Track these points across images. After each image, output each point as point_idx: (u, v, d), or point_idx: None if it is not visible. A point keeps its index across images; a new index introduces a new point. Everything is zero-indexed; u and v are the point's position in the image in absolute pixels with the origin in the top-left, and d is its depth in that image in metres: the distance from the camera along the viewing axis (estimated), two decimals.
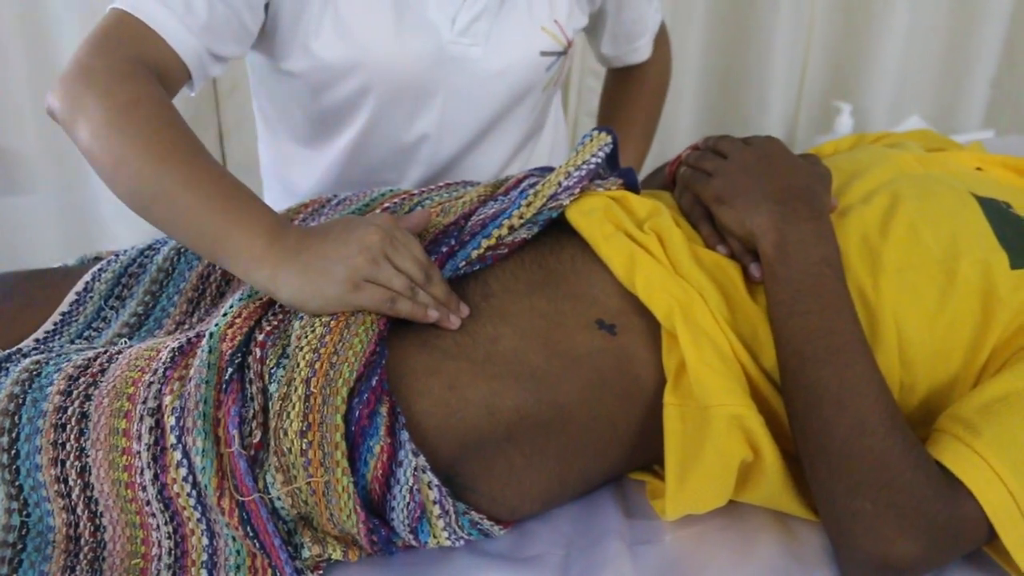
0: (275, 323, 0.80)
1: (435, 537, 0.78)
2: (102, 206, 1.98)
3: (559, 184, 0.88)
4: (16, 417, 0.78)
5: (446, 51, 1.05)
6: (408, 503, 0.75)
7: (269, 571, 0.77)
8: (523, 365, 0.79)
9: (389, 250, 0.80)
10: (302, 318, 0.79)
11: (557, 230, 0.89)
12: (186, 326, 0.92)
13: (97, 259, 1.02)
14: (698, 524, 0.83)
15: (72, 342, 0.91)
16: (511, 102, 1.14)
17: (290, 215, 0.98)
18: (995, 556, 0.77)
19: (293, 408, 0.74)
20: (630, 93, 1.39)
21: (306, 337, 0.77)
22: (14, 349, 0.87)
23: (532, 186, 0.91)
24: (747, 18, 2.24)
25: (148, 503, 0.78)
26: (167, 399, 0.76)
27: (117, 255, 0.98)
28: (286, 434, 0.73)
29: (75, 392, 0.79)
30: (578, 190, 0.89)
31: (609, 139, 0.95)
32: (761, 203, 0.84)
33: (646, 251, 0.84)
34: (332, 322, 0.78)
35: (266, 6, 0.99)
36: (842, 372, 0.76)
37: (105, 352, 0.84)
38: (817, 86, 2.38)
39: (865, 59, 2.33)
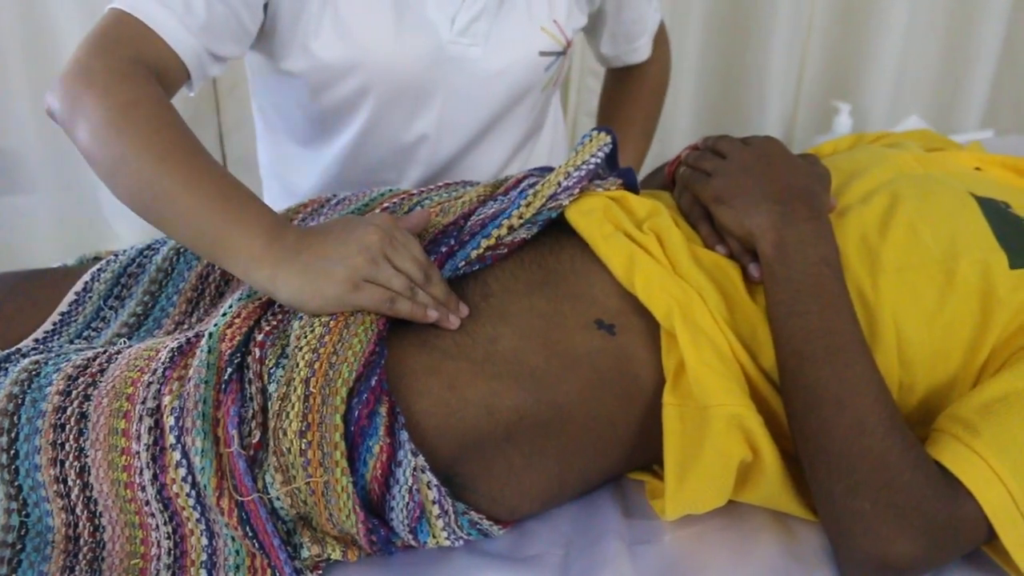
0: (274, 323, 0.80)
1: (434, 537, 0.78)
2: (101, 206, 1.98)
3: (558, 184, 0.88)
4: (15, 417, 0.78)
5: (445, 51, 1.05)
6: (407, 503, 0.75)
7: (268, 571, 0.77)
8: (522, 365, 0.80)
9: (388, 250, 0.80)
10: (301, 318, 0.79)
11: (556, 230, 0.89)
12: (185, 326, 0.92)
13: (96, 259, 1.02)
14: (697, 524, 0.83)
15: (71, 342, 0.91)
16: (510, 102, 1.14)
17: (289, 215, 0.98)
18: (994, 556, 0.77)
19: (292, 408, 0.74)
20: (629, 93, 1.39)
21: (305, 337, 0.77)
22: (13, 349, 0.87)
23: (531, 186, 0.91)
24: (746, 18, 2.24)
25: (147, 503, 0.78)
26: (166, 399, 0.76)
27: (116, 255, 0.98)
28: (285, 434, 0.73)
29: (74, 392, 0.79)
30: (577, 190, 0.89)
31: (608, 139, 0.95)
32: (760, 203, 0.84)
33: (645, 251, 0.84)
34: (331, 322, 0.78)
35: (265, 6, 0.99)
36: (841, 372, 0.76)
37: (104, 352, 0.84)
38: (816, 86, 2.38)
39: (864, 58, 2.33)
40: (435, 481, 0.75)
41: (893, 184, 0.90)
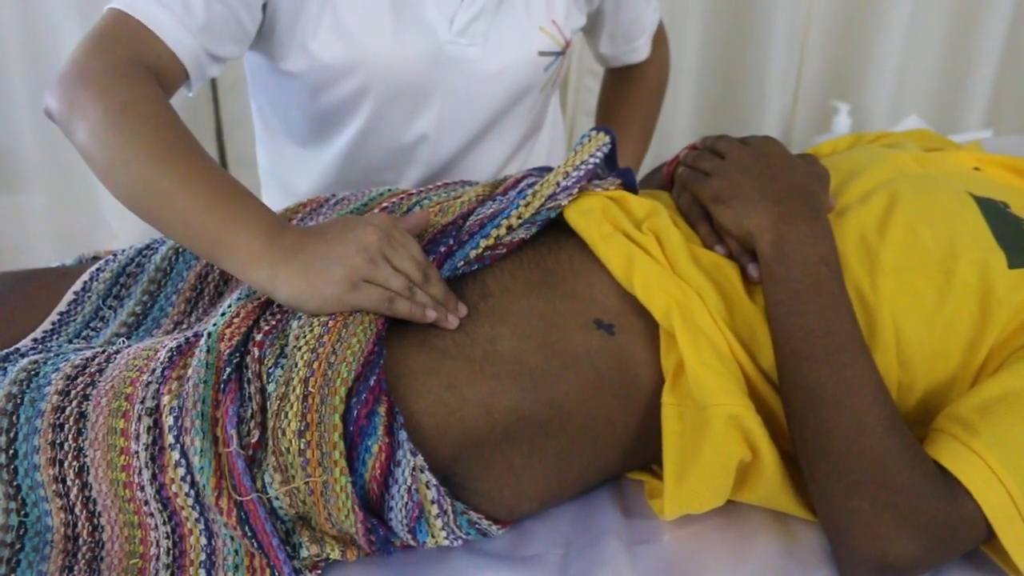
0: (273, 323, 0.80)
1: (433, 537, 0.78)
2: (99, 206, 1.98)
3: (557, 184, 0.88)
4: (14, 417, 0.78)
5: (444, 51, 1.05)
6: (406, 503, 0.75)
7: (267, 571, 0.77)
8: (521, 365, 0.80)
9: (387, 250, 0.80)
10: (300, 318, 0.79)
11: (555, 230, 0.89)
12: (184, 326, 0.92)
13: (95, 259, 1.02)
14: (696, 524, 0.83)
15: (70, 342, 0.91)
16: (509, 102, 1.14)
17: (288, 215, 0.98)
18: (993, 555, 0.77)
19: (291, 408, 0.74)
20: (628, 93, 1.39)
21: (304, 337, 0.77)
22: (12, 349, 0.87)
23: (530, 186, 0.91)
24: (744, 17, 2.25)
25: (146, 503, 0.78)
26: (165, 399, 0.76)
27: (115, 255, 0.98)
28: (284, 434, 0.73)
29: (73, 392, 0.79)
30: (576, 190, 0.89)
31: (607, 139, 0.95)
32: (759, 203, 0.84)
33: (644, 251, 0.84)
34: (330, 322, 0.78)
35: (264, 6, 0.99)
36: (840, 372, 0.76)
37: (103, 352, 0.84)
38: (815, 86, 2.38)
39: (864, 58, 2.33)
40: (434, 481, 0.75)
41: (892, 184, 0.91)
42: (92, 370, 0.81)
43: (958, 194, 0.89)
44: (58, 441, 0.78)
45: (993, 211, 0.88)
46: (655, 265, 0.83)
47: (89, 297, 0.94)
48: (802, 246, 0.81)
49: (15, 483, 0.79)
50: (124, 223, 1.97)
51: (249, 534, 0.75)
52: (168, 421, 0.75)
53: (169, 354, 0.79)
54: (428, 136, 1.12)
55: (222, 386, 0.75)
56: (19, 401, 0.79)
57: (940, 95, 2.44)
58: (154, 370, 0.78)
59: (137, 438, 0.76)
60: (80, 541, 0.80)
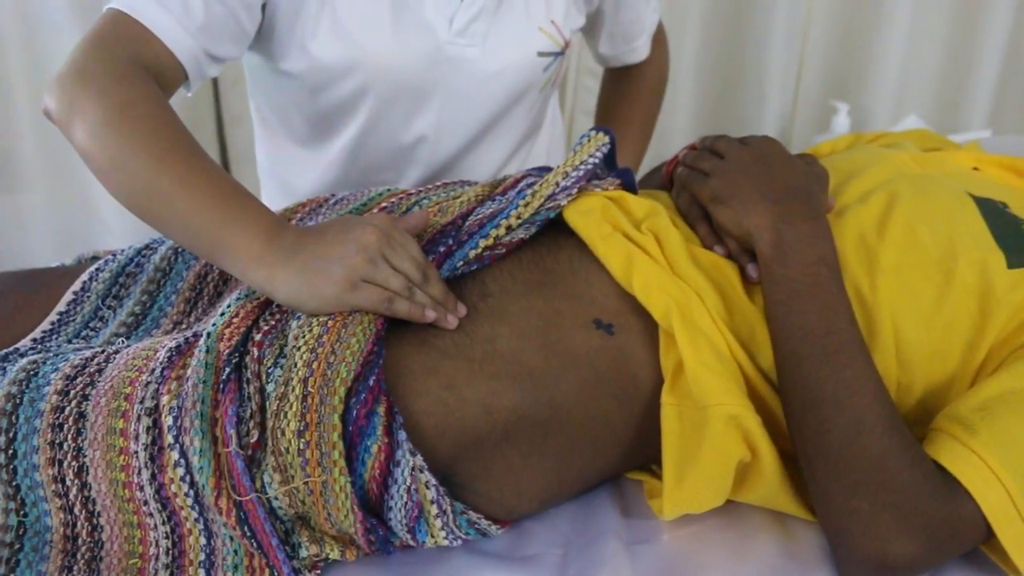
0: (272, 323, 0.80)
1: (433, 537, 0.78)
2: (97, 206, 1.98)
3: (557, 184, 0.88)
4: (13, 417, 0.78)
5: (443, 52, 1.05)
6: (406, 503, 0.75)
7: (267, 571, 0.77)
8: (521, 365, 0.80)
9: (386, 250, 0.80)
10: (299, 318, 0.79)
11: (555, 230, 0.89)
12: (183, 326, 0.92)
13: (94, 259, 1.02)
14: (696, 523, 0.83)
15: (69, 342, 0.91)
16: (509, 103, 1.14)
17: (287, 215, 0.98)
18: (992, 555, 0.77)
19: (290, 408, 0.74)
20: (628, 93, 1.39)
21: (303, 337, 0.77)
22: (11, 349, 0.87)
23: (530, 186, 0.91)
24: (743, 17, 2.24)
25: (145, 503, 0.78)
26: (164, 399, 0.76)
27: (114, 255, 0.98)
28: (283, 434, 0.73)
29: (72, 392, 0.79)
30: (576, 190, 0.89)
31: (607, 139, 0.95)
32: (758, 203, 0.84)
33: (643, 251, 0.84)
34: (329, 322, 0.78)
35: (263, 7, 0.99)
36: (839, 372, 0.76)
37: (102, 352, 0.84)
38: (814, 85, 2.38)
39: (865, 58, 2.33)
40: (433, 481, 0.75)
41: (891, 184, 0.91)
42: (91, 370, 0.81)
43: (957, 194, 0.89)
44: (57, 441, 0.78)
45: (992, 211, 0.88)
46: (654, 265, 0.83)
47: (88, 297, 0.94)
48: (801, 246, 0.81)
49: (14, 483, 0.79)
50: (123, 223, 1.97)
51: (248, 534, 0.75)
52: (167, 421, 0.75)
53: (168, 354, 0.79)
54: (427, 136, 1.12)
55: (221, 386, 0.75)
56: (18, 401, 0.79)
57: (941, 95, 2.44)
58: (153, 370, 0.78)
59: (136, 438, 0.76)
60: (79, 541, 0.80)
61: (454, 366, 0.79)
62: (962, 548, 0.75)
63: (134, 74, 0.85)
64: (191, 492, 0.76)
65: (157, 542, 0.79)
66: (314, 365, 0.75)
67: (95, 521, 0.79)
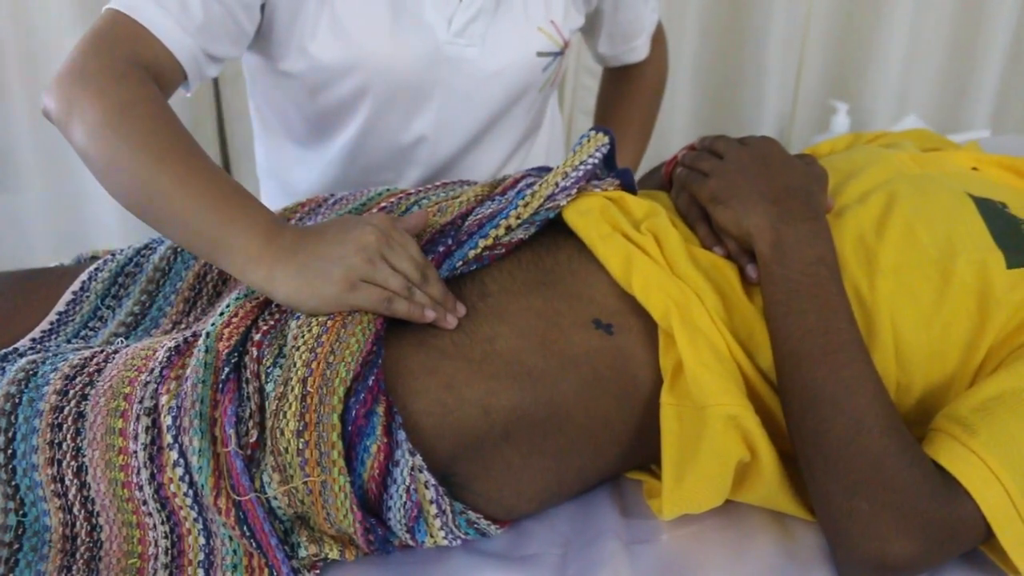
0: (272, 323, 0.80)
1: (432, 537, 0.78)
2: (94, 205, 1.98)
3: (556, 185, 0.88)
4: (12, 417, 0.78)
5: (442, 52, 1.05)
6: (405, 503, 0.75)
7: (266, 570, 0.77)
8: (520, 364, 0.80)
9: (386, 250, 0.80)
10: (298, 318, 0.79)
11: (554, 230, 0.89)
12: (182, 326, 0.92)
13: (94, 258, 1.02)
14: (695, 523, 0.83)
15: (68, 342, 0.91)
16: (508, 103, 1.14)
17: (286, 214, 0.98)
18: (992, 555, 0.77)
19: (290, 408, 0.74)
20: (627, 93, 1.39)
21: (303, 337, 0.77)
22: (10, 349, 0.87)
23: (529, 186, 0.91)
24: (742, 16, 2.24)
25: (145, 503, 0.78)
26: (163, 399, 0.76)
27: (113, 254, 0.98)
28: (283, 434, 0.73)
29: (71, 392, 0.79)
30: (575, 191, 0.89)
31: (607, 139, 0.95)
32: (757, 203, 0.84)
33: (643, 251, 0.84)
34: (329, 322, 0.78)
35: (262, 7, 0.99)
36: (838, 372, 0.76)
37: (102, 352, 0.84)
38: (814, 85, 2.38)
39: (864, 57, 2.33)
40: (433, 481, 0.75)
41: (890, 184, 0.91)
42: (90, 370, 0.81)
43: (956, 194, 0.89)
44: (56, 441, 0.78)
45: (991, 211, 0.88)
46: (654, 265, 0.83)
47: (87, 297, 0.94)
48: (800, 246, 0.81)
49: (13, 483, 0.79)
50: (120, 223, 1.97)
51: (247, 534, 0.75)
52: (166, 421, 0.75)
53: (167, 354, 0.79)
54: (427, 136, 1.12)
55: (220, 386, 0.75)
56: (17, 401, 0.79)
57: (942, 96, 2.43)
58: (152, 370, 0.78)
59: (135, 438, 0.76)
60: (78, 541, 0.80)
61: (453, 366, 0.79)
62: (961, 548, 0.75)
63: (133, 74, 0.85)
64: (190, 492, 0.76)
65: (156, 542, 0.79)
66: (313, 365, 0.75)
67: (94, 521, 0.79)
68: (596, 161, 0.92)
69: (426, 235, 0.88)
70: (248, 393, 0.76)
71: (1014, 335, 0.81)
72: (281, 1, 0.99)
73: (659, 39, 1.38)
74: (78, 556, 0.79)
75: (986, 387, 0.78)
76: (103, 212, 1.98)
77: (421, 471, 0.75)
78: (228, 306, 0.82)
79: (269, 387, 0.75)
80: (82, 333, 0.92)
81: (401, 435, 0.74)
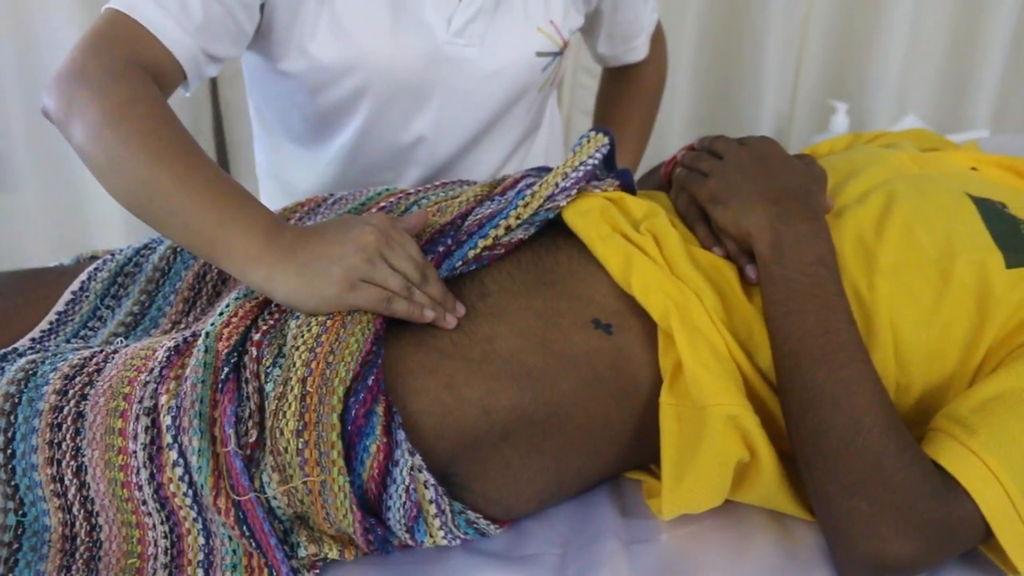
0: (271, 323, 0.80)
1: (431, 536, 0.78)
2: (90, 205, 1.98)
3: (556, 185, 0.88)
4: (12, 416, 0.78)
5: (442, 52, 1.05)
6: (404, 503, 0.75)
7: (265, 570, 0.77)
8: (520, 364, 0.80)
9: (385, 250, 0.80)
10: (298, 317, 0.79)
11: (553, 231, 0.89)
12: (182, 325, 0.92)
13: (93, 258, 1.02)
14: (694, 523, 0.83)
15: (68, 341, 0.91)
16: (508, 103, 1.14)
17: (286, 214, 0.98)
18: (991, 555, 0.77)
19: (289, 407, 0.74)
20: (626, 93, 1.39)
21: (302, 336, 0.77)
22: (10, 348, 0.87)
23: (529, 187, 0.91)
24: (740, 15, 2.24)
25: (144, 502, 0.78)
26: (163, 398, 0.76)
27: (113, 254, 0.98)
28: (282, 433, 0.73)
29: (71, 391, 0.79)
30: (575, 191, 0.89)
31: (606, 140, 0.95)
32: (757, 203, 0.84)
33: (642, 252, 0.84)
34: (328, 321, 0.78)
35: (261, 7, 0.99)
36: (838, 372, 0.76)
37: (101, 351, 0.84)
38: (812, 84, 2.37)
39: (864, 57, 2.32)
40: (432, 480, 0.75)
41: (889, 184, 0.91)
42: (90, 370, 0.81)
43: (955, 194, 0.89)
44: (56, 441, 0.78)
45: (990, 211, 0.88)
46: (653, 266, 0.84)
47: (87, 297, 0.94)
48: (800, 246, 0.81)
49: (13, 483, 0.79)
50: (117, 223, 1.96)
51: (247, 534, 0.75)
52: (166, 420, 0.75)
53: (167, 354, 0.79)
54: (426, 136, 1.12)
55: (220, 386, 0.75)
56: (17, 401, 0.79)
57: (941, 96, 2.43)
58: (152, 370, 0.78)
59: (135, 438, 0.76)
60: (78, 541, 0.80)
61: (453, 366, 0.79)
62: (960, 548, 0.75)
63: (133, 74, 0.85)
64: (189, 492, 0.76)
65: (156, 542, 0.79)
66: (313, 365, 0.75)
67: (94, 521, 0.79)
68: (596, 162, 0.92)
69: (426, 235, 0.88)
70: (248, 393, 0.76)
71: (1013, 335, 0.82)
72: (281, 1, 0.99)
73: (658, 39, 1.38)
74: (77, 556, 0.79)
75: (985, 387, 0.78)
76: (102, 212, 1.98)
77: (420, 471, 0.75)
78: (228, 306, 0.82)
79: (269, 387, 0.75)
80: (81, 333, 0.92)
81: (401, 435, 0.74)
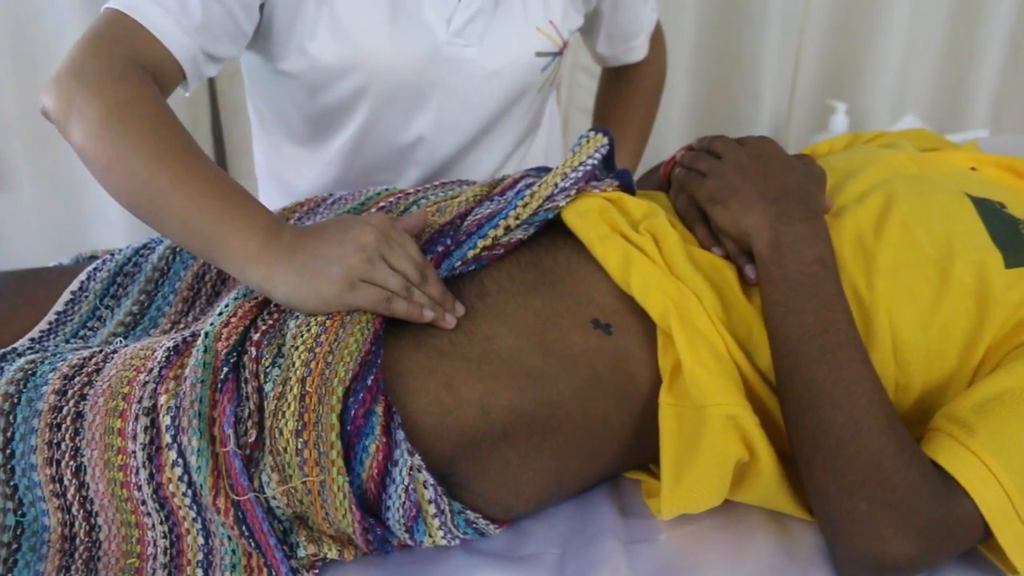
0: (270, 322, 0.80)
1: (431, 536, 0.78)
2: (90, 204, 1.98)
3: (555, 186, 0.88)
4: (11, 416, 0.78)
5: (441, 52, 1.05)
6: (404, 502, 0.75)
7: (264, 570, 0.77)
8: (519, 364, 0.80)
9: (385, 249, 0.80)
10: (297, 317, 0.79)
11: (553, 231, 0.89)
12: (181, 325, 0.92)
13: (92, 258, 1.02)
14: (693, 523, 0.83)
15: (67, 341, 0.91)
16: (507, 103, 1.14)
17: (285, 214, 0.98)
18: (990, 555, 0.77)
19: (289, 407, 0.74)
20: (626, 93, 1.39)
21: (302, 336, 0.77)
22: (9, 348, 0.87)
23: (528, 187, 0.91)
24: (738, 14, 2.23)
25: (143, 502, 0.78)
26: (162, 398, 0.76)
27: (112, 254, 0.98)
28: (281, 433, 0.73)
29: (70, 391, 0.79)
30: (574, 191, 0.89)
31: (606, 140, 0.95)
32: (756, 203, 0.84)
33: (641, 252, 0.85)
34: (328, 321, 0.78)
35: (261, 7, 0.99)
36: (837, 371, 0.76)
37: (100, 351, 0.84)
38: (812, 84, 2.37)
39: (862, 56, 2.32)
40: (431, 480, 0.75)
41: (888, 184, 0.91)
42: (89, 370, 0.81)
43: (954, 194, 0.89)
44: (55, 441, 0.78)
45: (989, 211, 0.88)
46: (652, 266, 0.84)
47: (86, 297, 0.94)
48: (799, 246, 0.81)
49: (12, 482, 0.79)
50: (114, 222, 1.96)
51: (246, 533, 0.75)
52: (165, 420, 0.75)
53: (166, 354, 0.79)
54: (426, 136, 1.12)
55: (219, 386, 0.75)
56: (16, 401, 0.79)
57: (940, 96, 2.43)
58: (151, 370, 0.78)
59: (134, 438, 0.76)
60: (77, 541, 0.80)
61: (452, 366, 0.79)
62: (960, 548, 0.75)
63: (132, 73, 0.85)
64: (189, 492, 0.76)
65: (155, 542, 0.79)
66: (312, 365, 0.75)
67: (93, 521, 0.79)
68: (595, 162, 0.92)
69: (425, 235, 0.88)
70: (247, 393, 0.76)
71: (1012, 334, 0.82)
72: (280, 1, 0.99)
73: (658, 39, 1.38)
74: (77, 556, 0.79)
75: (985, 387, 0.78)
76: (101, 212, 1.98)
77: (420, 471, 0.75)
78: (227, 306, 0.82)
79: (268, 387, 0.75)
80: (81, 333, 0.92)
81: (400, 435, 0.74)
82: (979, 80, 2.39)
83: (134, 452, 0.76)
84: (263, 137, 1.25)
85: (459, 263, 0.85)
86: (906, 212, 0.87)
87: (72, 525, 0.80)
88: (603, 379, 0.81)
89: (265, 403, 0.75)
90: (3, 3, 1.79)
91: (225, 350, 0.77)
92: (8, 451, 0.78)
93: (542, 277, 0.85)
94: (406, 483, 0.74)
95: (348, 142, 1.13)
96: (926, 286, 0.83)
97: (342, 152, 1.14)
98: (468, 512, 0.80)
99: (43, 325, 0.92)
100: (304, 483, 0.74)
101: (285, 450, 0.73)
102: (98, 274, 0.95)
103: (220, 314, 0.81)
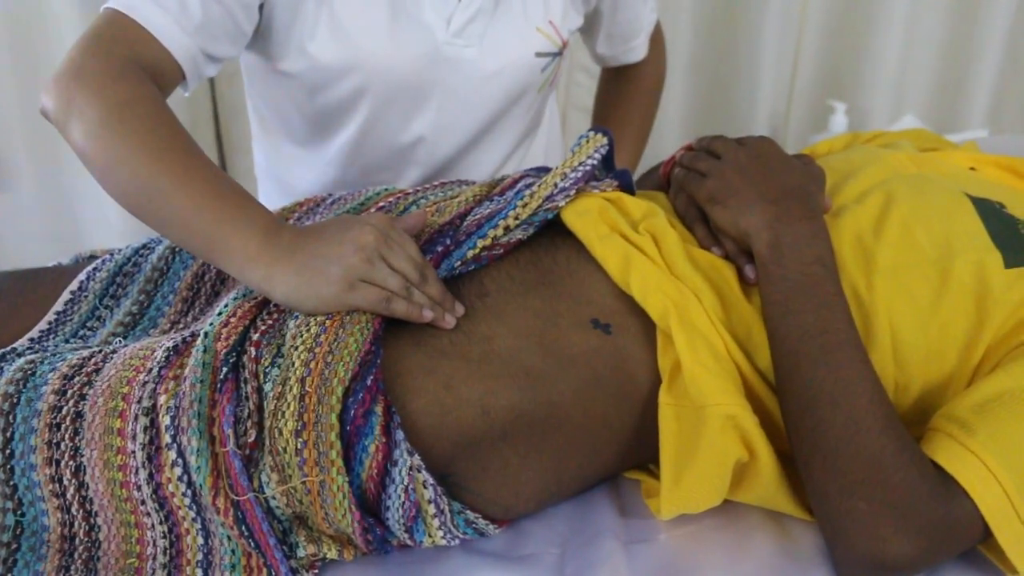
0: (270, 322, 0.80)
1: (430, 536, 0.78)
2: (90, 204, 1.98)
3: (555, 186, 0.88)
4: (11, 416, 0.78)
5: (441, 52, 1.05)
6: (403, 502, 0.75)
7: (264, 570, 0.77)
8: (518, 364, 0.80)
9: (384, 249, 0.80)
10: (297, 317, 0.79)
11: (552, 231, 0.89)
12: (181, 325, 0.92)
13: (92, 258, 1.02)
14: (693, 523, 0.83)
15: (67, 341, 0.91)
16: (507, 103, 1.14)
17: (285, 214, 0.98)
18: (990, 555, 0.77)
19: (288, 407, 0.74)
20: (626, 93, 1.39)
21: (301, 336, 0.77)
22: (8, 348, 0.87)
23: (528, 187, 0.91)
24: (736, 13, 2.23)
25: (143, 502, 0.78)
26: (162, 398, 0.76)
27: (112, 254, 0.98)
28: (281, 433, 0.73)
29: (70, 391, 0.79)
30: (574, 192, 0.89)
31: (605, 140, 0.95)
32: (755, 203, 0.84)
33: (641, 252, 0.85)
34: (327, 321, 0.78)
35: (260, 7, 0.99)
36: (836, 371, 0.76)
37: (100, 351, 0.84)
38: (811, 84, 2.37)
39: (861, 56, 2.32)
40: (431, 480, 0.75)
41: (888, 184, 0.91)
42: (89, 370, 0.81)
43: (954, 194, 0.89)
44: (55, 441, 0.78)
45: (989, 211, 0.88)
46: (652, 266, 0.84)
47: (86, 297, 0.94)
48: (798, 246, 0.81)
49: (12, 482, 0.79)
50: (118, 223, 1.96)
51: (246, 533, 0.75)
52: (165, 420, 0.75)
53: (166, 354, 0.79)
54: (426, 137, 1.12)
55: (219, 386, 0.75)
56: (15, 401, 0.79)
57: (939, 95, 2.43)
58: (151, 370, 0.78)
59: (134, 438, 0.76)
60: (77, 541, 0.80)
61: (452, 366, 0.79)
62: (959, 547, 0.75)
63: (132, 74, 0.85)
64: (188, 492, 0.76)
65: (155, 542, 0.79)
66: (312, 365, 0.75)
67: (92, 521, 0.79)
68: (595, 162, 0.92)
69: (424, 235, 0.88)
70: (246, 393, 0.76)
71: (1012, 334, 0.82)
72: (280, 1, 0.99)
73: (657, 39, 1.38)
74: (76, 556, 0.79)
75: (984, 387, 0.78)
76: (100, 212, 1.98)
77: (419, 471, 0.75)
78: (226, 306, 0.82)
79: (267, 387, 0.75)
80: (80, 333, 0.92)
81: (399, 435, 0.74)
82: (978, 80, 2.39)
83: (133, 452, 0.76)
84: (263, 137, 1.25)
85: (458, 263, 0.85)
86: (906, 212, 0.87)
87: (72, 525, 0.79)
88: (603, 379, 0.81)
89: (264, 403, 0.75)
90: (3, 3, 1.79)
91: (224, 350, 0.77)
92: (8, 451, 0.78)
93: (542, 277, 0.85)
94: (406, 483, 0.74)
95: (348, 142, 1.13)
96: (926, 286, 0.83)
97: (342, 152, 1.14)
98: (468, 512, 0.80)
99: (42, 325, 0.92)
100: (304, 483, 0.74)
101: (284, 450, 0.73)
102: (97, 274, 0.95)
103: (219, 314, 0.81)
